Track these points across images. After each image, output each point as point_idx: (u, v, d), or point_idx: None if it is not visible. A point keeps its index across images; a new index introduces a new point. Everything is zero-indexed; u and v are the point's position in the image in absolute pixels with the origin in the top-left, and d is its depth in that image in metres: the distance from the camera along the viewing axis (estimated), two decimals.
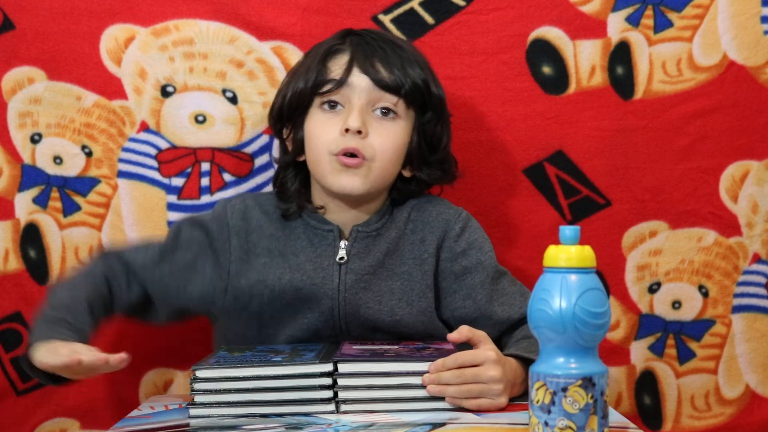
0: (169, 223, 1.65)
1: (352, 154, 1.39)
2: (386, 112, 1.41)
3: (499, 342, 1.43)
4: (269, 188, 1.64)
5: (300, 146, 1.45)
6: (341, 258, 1.43)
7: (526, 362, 1.24)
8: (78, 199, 1.65)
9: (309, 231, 1.45)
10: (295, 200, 1.46)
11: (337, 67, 1.41)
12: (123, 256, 1.47)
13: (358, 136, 1.38)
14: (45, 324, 1.33)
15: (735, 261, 1.69)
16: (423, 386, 1.24)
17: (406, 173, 1.47)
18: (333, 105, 1.42)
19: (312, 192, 1.48)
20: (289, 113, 1.45)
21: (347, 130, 1.38)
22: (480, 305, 1.44)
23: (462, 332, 1.28)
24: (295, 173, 1.49)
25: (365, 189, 1.41)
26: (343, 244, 1.44)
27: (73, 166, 1.65)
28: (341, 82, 1.40)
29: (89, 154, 1.65)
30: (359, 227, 1.45)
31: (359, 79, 1.40)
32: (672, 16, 1.66)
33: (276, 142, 1.64)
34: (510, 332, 1.43)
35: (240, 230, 1.45)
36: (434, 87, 1.45)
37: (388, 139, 1.41)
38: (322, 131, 1.41)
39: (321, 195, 1.46)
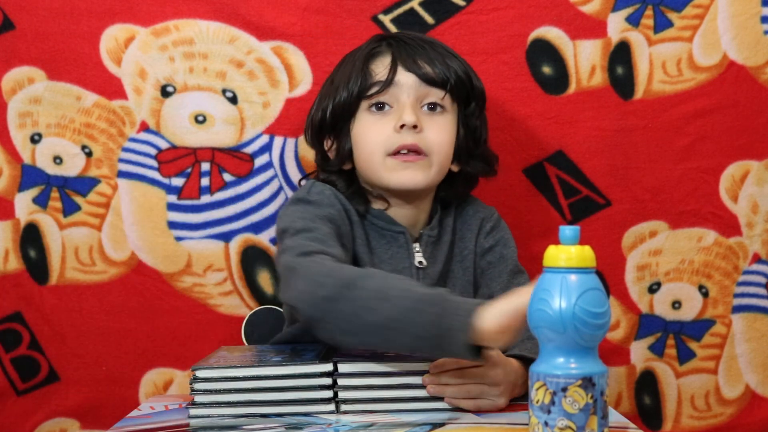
0: (170, 224, 1.65)
1: (411, 151, 1.39)
2: (433, 107, 1.42)
3: None
4: (269, 188, 1.64)
5: (345, 155, 1.44)
6: (420, 263, 1.43)
7: (530, 363, 1.24)
8: (78, 199, 1.65)
9: (375, 231, 1.44)
10: (361, 201, 1.44)
11: (380, 68, 1.41)
12: (327, 251, 1.28)
13: (413, 131, 1.38)
14: (446, 304, 1.14)
15: (735, 261, 1.69)
16: (423, 386, 1.24)
17: (454, 168, 1.47)
18: (381, 107, 1.41)
19: (367, 196, 1.45)
20: (332, 124, 1.44)
21: (402, 126, 1.38)
22: (493, 294, 1.44)
23: None
24: (344, 180, 1.45)
25: (426, 182, 1.41)
26: (417, 247, 1.44)
27: (73, 166, 1.65)
28: (388, 82, 1.40)
29: (89, 154, 1.65)
30: (427, 232, 1.45)
31: (405, 77, 1.40)
32: (672, 16, 1.66)
33: (276, 142, 1.65)
34: None
35: (334, 215, 1.39)
36: (476, 79, 1.46)
37: (442, 132, 1.41)
38: (374, 133, 1.40)
39: (376, 199, 1.45)
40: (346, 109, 1.42)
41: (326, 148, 1.48)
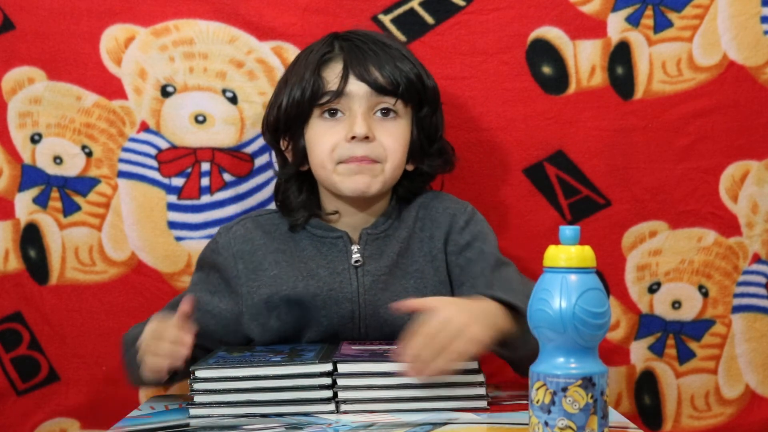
0: (170, 224, 1.65)
1: (362, 161, 1.40)
2: (386, 112, 1.42)
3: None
4: (269, 188, 1.64)
5: (302, 156, 1.45)
6: (357, 261, 1.43)
7: (511, 309, 1.26)
8: (78, 199, 1.65)
9: (315, 241, 1.45)
10: (303, 210, 1.46)
11: (332, 76, 1.41)
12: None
13: (365, 141, 1.39)
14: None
15: (735, 261, 1.69)
16: (423, 386, 1.24)
17: (409, 167, 1.48)
18: (333, 113, 1.42)
19: (322, 199, 1.48)
20: (286, 124, 1.45)
21: (353, 138, 1.39)
22: (479, 291, 1.44)
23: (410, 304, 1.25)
24: (299, 184, 1.48)
25: (378, 188, 1.42)
26: (355, 248, 1.44)
27: (73, 166, 1.65)
28: (339, 92, 1.40)
29: (89, 154, 1.65)
30: (368, 230, 1.45)
31: (357, 87, 1.40)
32: (672, 16, 1.66)
33: None
34: None
35: (244, 253, 1.44)
36: (427, 79, 1.46)
37: (394, 138, 1.42)
38: (326, 140, 1.41)
39: (332, 200, 1.46)
40: (299, 114, 1.43)
41: (283, 149, 1.49)
